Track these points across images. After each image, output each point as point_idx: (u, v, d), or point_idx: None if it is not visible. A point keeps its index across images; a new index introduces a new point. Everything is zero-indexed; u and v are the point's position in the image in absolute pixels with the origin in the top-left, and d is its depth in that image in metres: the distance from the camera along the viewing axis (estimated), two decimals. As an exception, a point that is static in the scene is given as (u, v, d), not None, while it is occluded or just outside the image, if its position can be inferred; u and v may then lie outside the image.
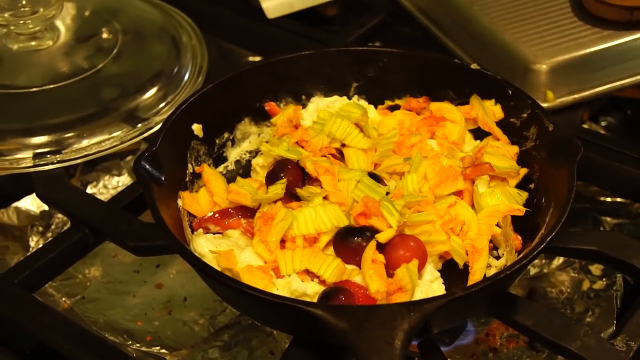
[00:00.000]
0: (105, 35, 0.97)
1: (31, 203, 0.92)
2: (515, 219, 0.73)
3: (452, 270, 0.71)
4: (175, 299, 0.84)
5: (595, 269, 0.86)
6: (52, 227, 0.91)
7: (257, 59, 1.12)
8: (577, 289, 0.85)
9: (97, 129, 0.86)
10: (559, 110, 0.90)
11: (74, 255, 0.78)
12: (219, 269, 0.68)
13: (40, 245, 0.87)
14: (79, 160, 0.84)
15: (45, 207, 0.90)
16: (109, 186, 0.98)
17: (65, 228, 0.88)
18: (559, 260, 0.87)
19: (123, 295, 0.85)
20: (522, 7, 0.93)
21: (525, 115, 0.77)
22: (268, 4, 1.04)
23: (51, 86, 0.89)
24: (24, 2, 0.92)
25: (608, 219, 0.92)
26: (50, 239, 0.89)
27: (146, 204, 0.67)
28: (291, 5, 1.05)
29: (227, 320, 0.81)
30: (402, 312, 0.58)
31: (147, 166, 0.70)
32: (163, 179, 0.71)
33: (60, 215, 0.90)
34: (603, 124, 1.06)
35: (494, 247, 0.73)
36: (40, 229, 0.91)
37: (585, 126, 1.01)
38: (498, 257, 0.73)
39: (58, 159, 0.83)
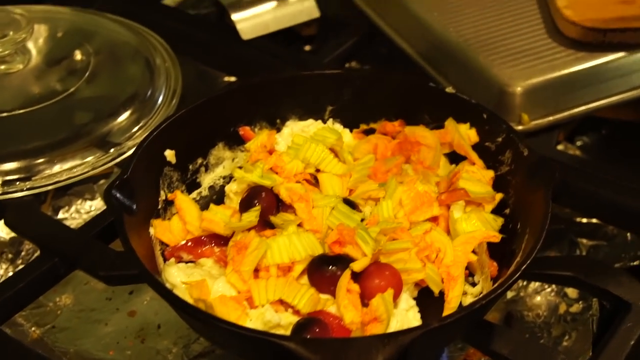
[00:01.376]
0: (77, 58, 0.95)
1: (0, 229, 0.90)
2: (491, 245, 0.72)
3: (427, 298, 0.70)
4: (149, 327, 0.83)
5: (572, 292, 0.86)
6: (22, 254, 0.90)
7: (232, 79, 1.11)
8: (554, 313, 0.84)
9: (68, 155, 0.84)
10: (535, 132, 0.90)
11: (44, 285, 0.76)
12: (191, 299, 0.67)
13: (10, 273, 0.86)
14: (49, 187, 0.82)
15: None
16: (82, 211, 0.96)
17: (36, 256, 0.87)
18: (535, 283, 0.87)
19: (95, 324, 0.84)
20: (497, 29, 0.93)
21: (500, 139, 0.77)
22: (243, 25, 1.04)
23: (21, 111, 0.87)
24: (-7, 26, 0.91)
25: (584, 240, 0.92)
26: (20, 266, 0.88)
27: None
28: (266, 26, 1.04)
29: (201, 348, 0.80)
30: (377, 345, 0.57)
31: (118, 195, 0.68)
32: (135, 207, 0.69)
33: (31, 242, 0.89)
34: (578, 143, 1.06)
35: (469, 273, 0.73)
36: (10, 256, 0.89)
37: (560, 147, 1.01)
38: (474, 284, 0.72)
39: (28, 186, 0.82)
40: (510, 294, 0.86)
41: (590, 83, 0.90)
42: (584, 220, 0.93)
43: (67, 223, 0.93)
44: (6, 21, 0.92)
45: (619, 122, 1.03)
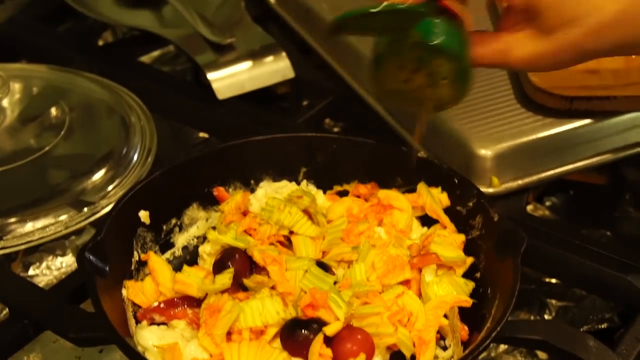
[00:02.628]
0: (53, 115, 0.96)
1: (-31, 288, 0.89)
2: (461, 309, 0.73)
3: (399, 362, 0.70)
4: (119, 387, 0.82)
5: (542, 353, 0.86)
6: (-9, 312, 0.88)
7: (207, 136, 1.12)
8: (525, 374, 0.85)
9: (41, 214, 0.84)
10: (505, 194, 0.91)
11: (12, 348, 0.75)
12: (162, 363, 0.66)
13: (-22, 333, 0.85)
14: (20, 247, 0.82)
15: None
16: (53, 267, 0.95)
17: (4, 314, 0.86)
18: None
19: (64, 384, 0.82)
20: (469, 94, 0.96)
21: (471, 204, 0.78)
22: (219, 85, 1.05)
23: (-5, 170, 0.87)
24: (-32, 86, 0.91)
25: (553, 301, 0.93)
26: (-12, 325, 0.87)
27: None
28: (242, 86, 1.06)
29: (171, 410, 0.79)
30: (349, 413, 0.57)
31: (92, 257, 0.68)
32: (107, 269, 0.69)
33: (0, 300, 0.88)
34: (547, 204, 1.08)
35: (441, 337, 0.73)
36: (-21, 314, 0.88)
37: (530, 207, 1.03)
38: (445, 348, 0.73)
39: (-1, 246, 0.81)
40: (481, 355, 0.86)
41: (559, 148, 0.92)
42: (554, 280, 0.95)
43: (38, 280, 0.92)
44: (-18, 81, 0.92)
45: (586, 185, 1.06)
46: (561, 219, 1.04)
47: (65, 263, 0.95)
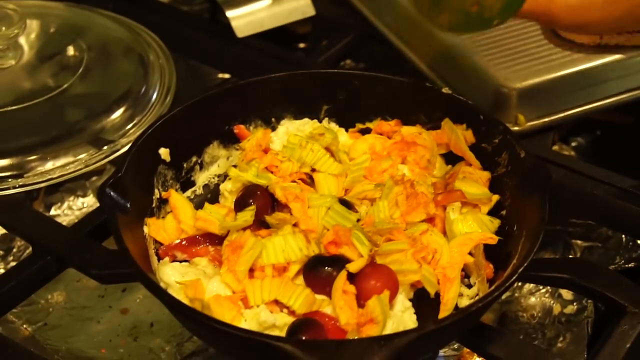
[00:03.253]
0: (70, 54, 0.95)
1: (-9, 226, 0.89)
2: (486, 247, 0.72)
3: (423, 299, 0.70)
4: (142, 325, 0.82)
5: (567, 293, 0.85)
6: (14, 250, 0.89)
7: (226, 77, 1.11)
8: (549, 314, 0.84)
9: (61, 152, 0.83)
10: (530, 133, 0.89)
11: (36, 284, 0.76)
12: (185, 299, 0.66)
13: (2, 271, 0.85)
14: (41, 185, 0.81)
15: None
16: (74, 207, 0.95)
17: (27, 252, 0.86)
18: (530, 284, 0.87)
19: (87, 322, 0.83)
20: (494, 30, 0.93)
21: (496, 141, 0.77)
22: (238, 22, 1.03)
23: (13, 107, 0.86)
24: (-17, 22, 0.90)
25: (579, 242, 0.92)
26: (11, 263, 0.87)
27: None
28: (261, 24, 1.04)
29: (194, 347, 0.80)
30: (373, 347, 0.57)
31: (112, 193, 0.68)
32: (128, 206, 0.69)
33: (22, 239, 0.88)
34: (573, 144, 1.06)
35: (465, 275, 0.72)
36: (1, 253, 0.88)
37: (555, 147, 1.01)
38: (470, 286, 0.72)
39: (20, 184, 0.81)
40: (504, 295, 0.86)
41: (586, 85, 0.90)
42: (579, 221, 0.93)
43: (60, 220, 0.92)
44: (-2, 16, 0.91)
45: (613, 125, 1.03)
46: (587, 159, 1.02)
47: (86, 203, 0.96)
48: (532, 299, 0.86)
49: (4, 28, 0.89)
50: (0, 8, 0.92)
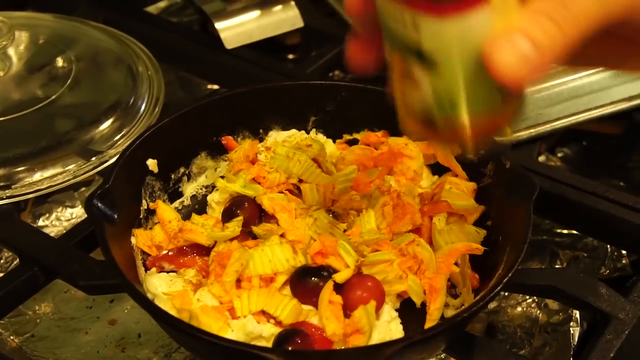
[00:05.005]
0: (59, 65, 0.95)
1: (-21, 237, 0.89)
2: (472, 257, 0.73)
3: (409, 310, 0.70)
4: (129, 336, 0.82)
5: (552, 303, 0.86)
6: (1, 261, 0.88)
7: (215, 87, 1.11)
8: (535, 324, 0.85)
9: (49, 163, 0.83)
10: (516, 144, 0.90)
11: (23, 295, 0.76)
12: (172, 309, 0.66)
13: (-11, 282, 0.85)
14: (29, 196, 0.81)
15: (-5, 241, 0.88)
16: (62, 218, 0.95)
17: (15, 264, 0.86)
18: (516, 294, 0.87)
19: (75, 333, 0.83)
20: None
21: (482, 151, 0.77)
22: (227, 34, 1.03)
23: (2, 118, 0.86)
24: (-28, 33, 0.90)
25: (565, 251, 0.92)
26: (-1, 274, 0.87)
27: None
28: (250, 35, 1.04)
29: (182, 358, 0.79)
30: (359, 357, 0.57)
31: (100, 204, 0.68)
32: (116, 216, 0.69)
33: (9, 250, 0.88)
34: (560, 155, 1.07)
35: (451, 285, 0.73)
36: (-11, 263, 0.88)
37: (542, 158, 1.01)
38: (456, 296, 0.72)
39: (7, 195, 0.81)
40: (491, 305, 0.86)
41: (571, 97, 0.91)
42: (565, 231, 0.94)
43: (47, 231, 0.92)
44: (-13, 28, 0.91)
45: (600, 135, 1.04)
46: (573, 170, 1.03)
47: (74, 214, 0.95)
48: (519, 309, 0.86)
49: (-8, 39, 0.89)
50: (-11, 19, 0.93)
